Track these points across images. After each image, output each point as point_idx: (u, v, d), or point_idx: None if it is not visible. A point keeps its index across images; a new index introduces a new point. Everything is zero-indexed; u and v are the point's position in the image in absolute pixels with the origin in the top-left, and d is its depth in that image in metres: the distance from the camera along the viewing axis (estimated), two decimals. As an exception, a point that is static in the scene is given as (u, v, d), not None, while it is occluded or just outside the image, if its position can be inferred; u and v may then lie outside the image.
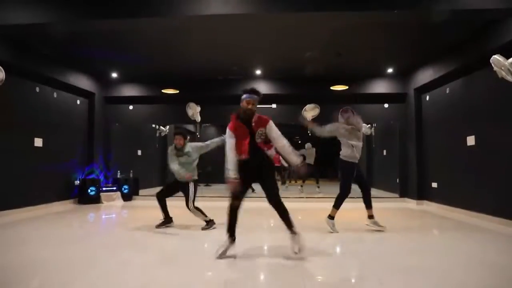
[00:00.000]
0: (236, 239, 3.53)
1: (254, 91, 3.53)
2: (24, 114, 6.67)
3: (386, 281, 2.80)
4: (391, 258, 3.54)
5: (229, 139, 3.42)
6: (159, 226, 4.99)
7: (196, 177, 5.07)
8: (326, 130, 5.01)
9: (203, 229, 4.87)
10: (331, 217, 4.78)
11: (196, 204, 4.94)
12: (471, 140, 6.26)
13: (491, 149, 5.76)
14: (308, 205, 8.08)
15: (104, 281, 2.83)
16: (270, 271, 3.17)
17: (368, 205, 4.86)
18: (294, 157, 3.45)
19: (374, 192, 10.60)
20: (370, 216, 4.88)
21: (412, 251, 3.84)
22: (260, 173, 3.42)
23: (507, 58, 4.80)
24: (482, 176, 5.94)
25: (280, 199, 3.39)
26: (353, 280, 3.05)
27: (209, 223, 4.94)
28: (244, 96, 3.49)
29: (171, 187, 5.09)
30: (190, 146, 5.02)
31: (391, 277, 2.92)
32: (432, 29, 5.61)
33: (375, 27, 5.49)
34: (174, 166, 4.85)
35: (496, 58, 4.84)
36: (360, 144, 4.86)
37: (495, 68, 4.94)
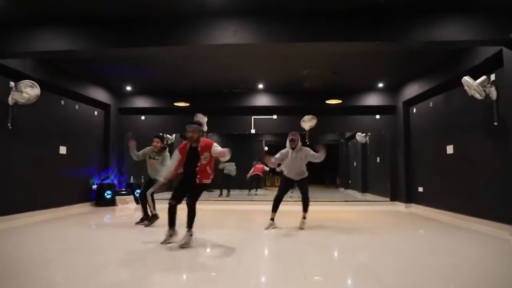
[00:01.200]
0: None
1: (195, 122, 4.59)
2: (51, 124, 7.45)
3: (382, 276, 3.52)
4: (384, 256, 4.29)
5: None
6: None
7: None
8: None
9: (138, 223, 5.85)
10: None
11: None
12: (450, 149, 7.03)
13: (467, 157, 6.53)
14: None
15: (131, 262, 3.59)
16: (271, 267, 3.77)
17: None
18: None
19: (368, 196, 11.48)
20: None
21: (400, 249, 4.58)
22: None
23: (475, 79, 5.62)
24: (460, 181, 6.70)
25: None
26: (350, 274, 3.77)
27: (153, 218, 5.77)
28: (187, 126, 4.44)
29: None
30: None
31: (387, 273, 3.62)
32: (416, 52, 6.42)
33: (365, 51, 6.30)
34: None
35: (466, 79, 5.67)
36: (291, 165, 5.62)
37: (465, 88, 5.75)
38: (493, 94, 5.55)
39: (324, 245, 4.50)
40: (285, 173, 5.68)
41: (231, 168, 11.53)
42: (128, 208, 8.82)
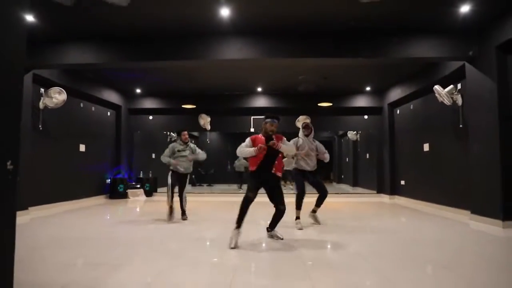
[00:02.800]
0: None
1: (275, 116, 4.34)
2: (73, 125, 8.33)
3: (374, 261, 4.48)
4: (368, 239, 5.25)
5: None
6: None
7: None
8: None
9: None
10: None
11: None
12: (426, 147, 8.01)
13: (439, 154, 7.51)
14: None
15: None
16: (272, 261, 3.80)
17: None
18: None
19: (359, 190, 12.47)
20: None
21: (383, 234, 5.55)
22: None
23: (444, 88, 6.58)
24: (433, 175, 7.69)
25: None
26: (346, 261, 4.70)
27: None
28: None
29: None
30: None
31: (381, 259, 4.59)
32: (395, 63, 7.36)
33: (351, 64, 7.24)
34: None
35: (436, 88, 6.62)
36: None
37: (436, 95, 6.71)
38: (459, 100, 6.51)
39: (317, 232, 5.44)
40: (296, 166, 5.36)
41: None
42: (138, 200, 9.73)
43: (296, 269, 3.22)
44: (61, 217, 6.48)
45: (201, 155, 6.09)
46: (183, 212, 6.04)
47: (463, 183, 6.53)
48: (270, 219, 4.44)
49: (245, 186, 12.93)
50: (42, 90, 7.09)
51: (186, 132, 6.08)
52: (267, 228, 4.52)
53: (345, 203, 9.10)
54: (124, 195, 9.84)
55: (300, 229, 5.14)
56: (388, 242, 4.42)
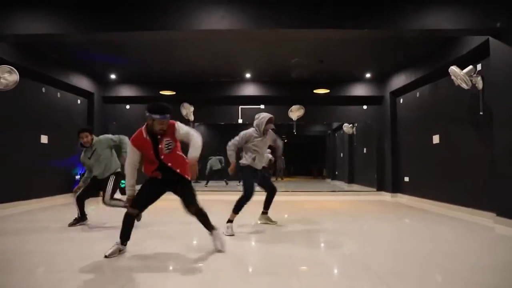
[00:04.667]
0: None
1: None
2: (32, 112, 7.22)
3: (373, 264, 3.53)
4: (371, 244, 4.29)
5: None
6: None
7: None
8: None
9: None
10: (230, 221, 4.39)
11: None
12: (436, 139, 7.08)
13: (452, 147, 6.58)
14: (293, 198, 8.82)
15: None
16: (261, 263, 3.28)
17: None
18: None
19: (355, 187, 11.57)
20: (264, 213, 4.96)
21: (386, 237, 4.60)
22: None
23: (462, 69, 5.64)
24: (445, 170, 6.77)
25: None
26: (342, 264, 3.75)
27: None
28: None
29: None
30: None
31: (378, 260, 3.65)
32: (403, 42, 6.41)
33: (352, 39, 6.26)
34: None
35: (453, 69, 5.68)
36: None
37: (452, 77, 5.77)
38: (479, 83, 5.58)
39: (312, 234, 4.47)
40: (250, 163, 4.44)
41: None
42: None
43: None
44: (16, 218, 5.41)
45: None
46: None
47: (482, 179, 5.61)
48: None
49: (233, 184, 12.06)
50: (-12, 68, 5.98)
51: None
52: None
53: (341, 201, 8.13)
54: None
55: (231, 235, 4.17)
56: (398, 254, 3.45)
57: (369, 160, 10.48)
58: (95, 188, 5.00)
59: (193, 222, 3.55)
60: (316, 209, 6.73)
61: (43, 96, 7.60)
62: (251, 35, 5.40)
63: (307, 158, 18.13)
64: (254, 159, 4.41)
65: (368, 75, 8.98)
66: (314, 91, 9.36)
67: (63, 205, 7.19)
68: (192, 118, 9.67)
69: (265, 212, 4.96)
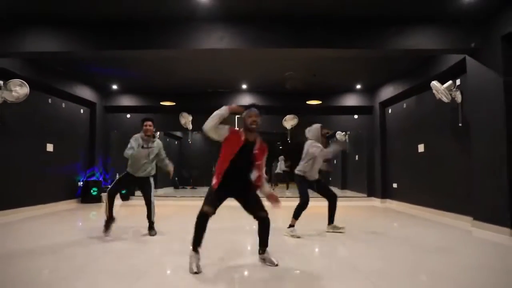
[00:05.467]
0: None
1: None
2: (39, 122, 7.57)
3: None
4: (361, 247, 4.70)
5: None
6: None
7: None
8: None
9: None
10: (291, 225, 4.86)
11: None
12: (421, 148, 7.54)
13: (435, 155, 7.04)
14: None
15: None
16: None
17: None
18: None
19: (347, 193, 11.98)
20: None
21: (375, 240, 5.01)
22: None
23: (442, 84, 6.11)
24: (430, 177, 7.21)
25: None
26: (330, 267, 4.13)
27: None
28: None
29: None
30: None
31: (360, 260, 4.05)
32: (390, 57, 6.87)
33: (343, 57, 6.72)
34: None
35: (434, 83, 6.15)
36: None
37: (434, 91, 6.24)
38: (458, 97, 6.05)
39: (305, 238, 4.86)
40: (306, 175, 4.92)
41: None
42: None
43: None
44: (23, 224, 5.75)
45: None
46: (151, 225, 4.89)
47: (463, 186, 6.05)
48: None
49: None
50: (1, 82, 6.34)
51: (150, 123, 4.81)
52: (258, 251, 3.46)
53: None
54: (98, 199, 9.10)
55: (298, 237, 4.69)
56: (385, 251, 3.87)
57: (360, 167, 10.91)
58: (126, 185, 5.14)
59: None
60: (310, 214, 7.12)
61: (49, 107, 7.97)
62: (248, 54, 5.83)
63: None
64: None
65: (358, 86, 9.45)
66: (307, 102, 9.80)
67: (67, 211, 7.53)
68: (190, 127, 10.07)
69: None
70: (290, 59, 6.94)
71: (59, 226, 5.71)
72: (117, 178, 4.92)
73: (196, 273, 3.03)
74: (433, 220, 6.44)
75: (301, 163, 4.98)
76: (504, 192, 4.77)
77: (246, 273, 3.23)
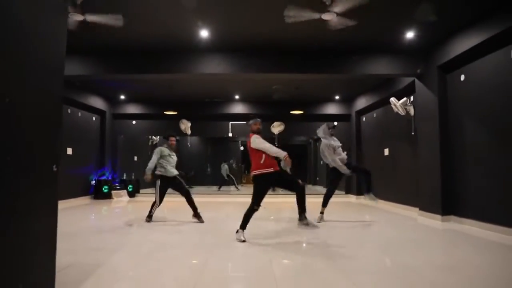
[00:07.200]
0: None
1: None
2: (63, 130, 8.80)
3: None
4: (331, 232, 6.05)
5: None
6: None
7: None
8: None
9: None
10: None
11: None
12: (386, 152, 8.94)
13: (395, 158, 8.44)
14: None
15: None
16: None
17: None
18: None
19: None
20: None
21: (343, 227, 6.37)
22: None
23: (398, 100, 7.49)
24: (391, 176, 8.61)
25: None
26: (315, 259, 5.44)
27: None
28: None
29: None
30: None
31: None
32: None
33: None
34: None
35: (392, 99, 7.53)
36: None
37: (392, 105, 7.61)
38: (411, 111, 7.43)
39: (291, 227, 6.20)
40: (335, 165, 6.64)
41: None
42: (122, 200, 10.28)
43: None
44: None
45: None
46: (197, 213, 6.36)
47: (413, 183, 7.44)
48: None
49: (226, 188, 13.79)
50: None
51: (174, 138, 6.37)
52: (300, 218, 4.91)
53: (317, 203, 9.88)
54: (108, 196, 10.36)
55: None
56: (349, 235, 5.22)
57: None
58: (167, 186, 6.27)
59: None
60: (295, 209, 8.49)
61: (68, 116, 9.22)
62: (240, 77, 7.19)
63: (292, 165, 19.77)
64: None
65: (337, 97, 10.82)
66: (291, 112, 11.18)
67: (86, 205, 8.80)
68: (189, 132, 11.38)
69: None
70: (275, 78, 8.28)
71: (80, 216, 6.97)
72: (158, 186, 6.17)
73: (243, 241, 4.50)
74: (391, 211, 7.84)
75: (336, 158, 6.75)
76: (437, 189, 6.16)
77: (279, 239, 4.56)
